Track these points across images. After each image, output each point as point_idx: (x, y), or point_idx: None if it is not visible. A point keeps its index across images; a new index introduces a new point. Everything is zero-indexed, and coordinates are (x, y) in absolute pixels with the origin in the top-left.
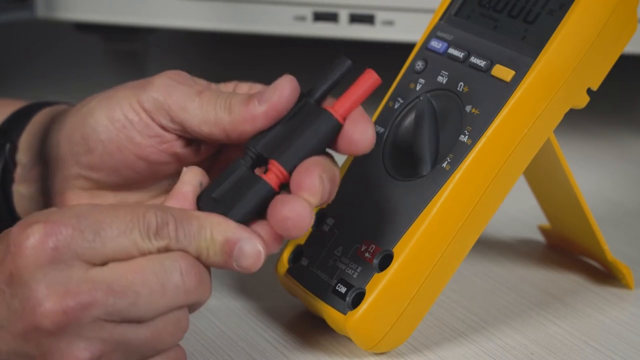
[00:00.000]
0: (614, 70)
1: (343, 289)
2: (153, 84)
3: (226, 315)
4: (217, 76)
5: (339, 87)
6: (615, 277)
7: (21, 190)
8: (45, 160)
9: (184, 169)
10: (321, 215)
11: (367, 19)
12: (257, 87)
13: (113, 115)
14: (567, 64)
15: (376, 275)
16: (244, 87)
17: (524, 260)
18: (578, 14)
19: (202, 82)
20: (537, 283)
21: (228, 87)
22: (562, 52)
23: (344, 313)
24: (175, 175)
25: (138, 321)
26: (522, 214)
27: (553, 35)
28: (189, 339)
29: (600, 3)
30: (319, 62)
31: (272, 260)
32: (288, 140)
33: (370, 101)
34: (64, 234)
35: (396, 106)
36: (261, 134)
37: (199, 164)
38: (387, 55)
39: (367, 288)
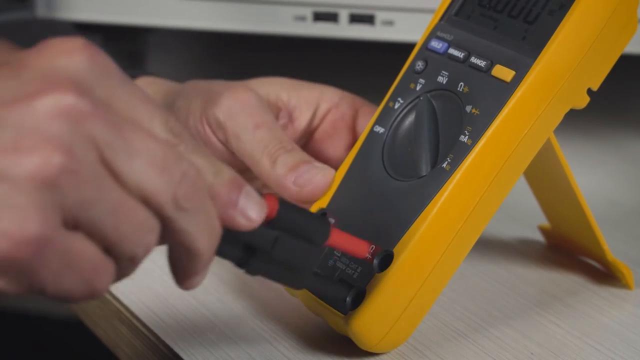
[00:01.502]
0: (614, 71)
1: None
2: (220, 103)
3: (226, 315)
4: (217, 76)
5: None
6: (615, 277)
7: None
8: None
9: None
10: (321, 215)
11: (367, 19)
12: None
13: (187, 121)
14: (567, 64)
15: (376, 276)
16: (305, 115)
17: (524, 260)
18: (578, 14)
19: (267, 109)
20: (537, 283)
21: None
22: (563, 52)
23: (344, 313)
24: None
25: (121, 179)
26: (522, 214)
27: (553, 36)
28: (188, 339)
29: (600, 3)
30: (319, 62)
31: None
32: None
33: (370, 101)
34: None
35: (396, 106)
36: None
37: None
38: (387, 55)
39: (367, 288)
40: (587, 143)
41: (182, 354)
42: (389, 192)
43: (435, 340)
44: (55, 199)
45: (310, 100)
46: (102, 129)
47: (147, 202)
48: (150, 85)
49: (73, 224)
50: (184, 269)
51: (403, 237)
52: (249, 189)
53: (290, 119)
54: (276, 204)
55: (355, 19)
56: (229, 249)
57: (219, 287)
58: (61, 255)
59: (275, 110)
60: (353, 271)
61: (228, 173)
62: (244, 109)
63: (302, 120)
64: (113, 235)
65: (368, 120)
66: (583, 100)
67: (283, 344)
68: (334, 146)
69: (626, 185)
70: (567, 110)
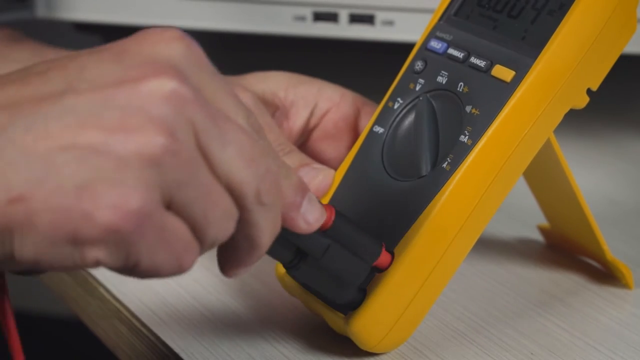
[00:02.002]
0: (614, 71)
1: None
2: None
3: (226, 314)
4: None
5: None
6: (615, 277)
7: None
8: None
9: None
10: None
11: (367, 19)
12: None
13: None
14: (567, 64)
15: (377, 276)
16: (301, 113)
17: (524, 260)
18: (578, 14)
19: (265, 111)
20: (537, 283)
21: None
22: (562, 52)
23: (345, 313)
24: None
25: (212, 166)
26: (522, 214)
27: (553, 36)
28: (188, 339)
29: (600, 3)
30: (319, 63)
31: (271, 260)
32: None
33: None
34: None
35: (396, 106)
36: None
37: None
38: (387, 56)
39: (368, 288)
40: (587, 143)
41: (181, 354)
42: (389, 192)
43: (435, 340)
44: (157, 178)
45: (308, 98)
46: (201, 115)
47: (232, 190)
48: None
49: (167, 204)
50: (238, 260)
51: (403, 238)
52: (311, 195)
53: (287, 116)
54: (333, 215)
55: (355, 19)
56: (282, 250)
57: (219, 287)
58: (158, 231)
59: (272, 108)
60: None
61: (296, 176)
62: None
63: (299, 119)
64: (202, 219)
65: (369, 118)
66: (583, 100)
67: (283, 344)
68: (335, 146)
69: (626, 185)
70: (566, 110)
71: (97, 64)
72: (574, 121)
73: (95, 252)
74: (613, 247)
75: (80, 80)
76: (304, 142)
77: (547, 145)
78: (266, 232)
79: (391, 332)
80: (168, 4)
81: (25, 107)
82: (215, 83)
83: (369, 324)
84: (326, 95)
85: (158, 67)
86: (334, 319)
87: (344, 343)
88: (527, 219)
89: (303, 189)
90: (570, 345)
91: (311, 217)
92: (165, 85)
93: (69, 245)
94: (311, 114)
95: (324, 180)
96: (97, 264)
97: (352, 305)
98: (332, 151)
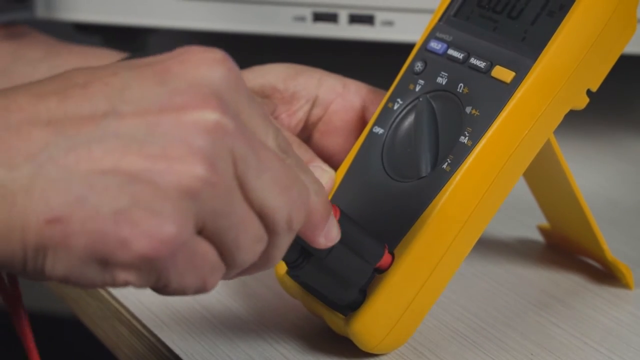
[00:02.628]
0: (614, 71)
1: None
2: None
3: (226, 315)
4: None
5: None
6: (615, 277)
7: None
8: None
9: None
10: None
11: (367, 19)
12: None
13: None
14: (567, 65)
15: (377, 277)
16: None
17: (524, 260)
18: (578, 15)
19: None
20: (537, 283)
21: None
22: (562, 53)
23: (345, 314)
24: None
25: (247, 193)
26: (522, 214)
27: (553, 37)
28: (188, 340)
29: (600, 4)
30: (318, 63)
31: None
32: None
33: None
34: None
35: (395, 107)
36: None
37: None
38: (387, 56)
39: (368, 289)
40: (587, 143)
41: (181, 355)
42: (389, 193)
43: (434, 341)
44: (194, 208)
45: (309, 88)
46: (240, 145)
47: (264, 216)
48: None
49: (200, 229)
50: (247, 271)
51: (403, 239)
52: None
53: (289, 109)
54: (338, 215)
55: (355, 19)
56: (288, 251)
57: (219, 287)
58: (189, 257)
59: (273, 103)
60: None
61: (325, 193)
62: None
63: (300, 111)
64: (232, 245)
65: (377, 107)
66: (582, 101)
67: (282, 344)
68: (343, 140)
69: (626, 185)
70: (566, 111)
71: (140, 83)
72: (574, 122)
73: (126, 275)
74: (613, 247)
75: (122, 101)
76: (309, 136)
77: (547, 146)
78: (283, 251)
79: (391, 333)
80: (168, 4)
81: (68, 126)
82: (249, 105)
83: (369, 324)
84: (327, 84)
85: (201, 95)
86: (334, 319)
87: (344, 344)
88: (527, 219)
89: (329, 206)
90: (570, 346)
91: (332, 234)
92: (208, 116)
93: (101, 267)
94: (313, 105)
95: (328, 182)
96: (126, 284)
97: (352, 306)
98: (340, 144)
